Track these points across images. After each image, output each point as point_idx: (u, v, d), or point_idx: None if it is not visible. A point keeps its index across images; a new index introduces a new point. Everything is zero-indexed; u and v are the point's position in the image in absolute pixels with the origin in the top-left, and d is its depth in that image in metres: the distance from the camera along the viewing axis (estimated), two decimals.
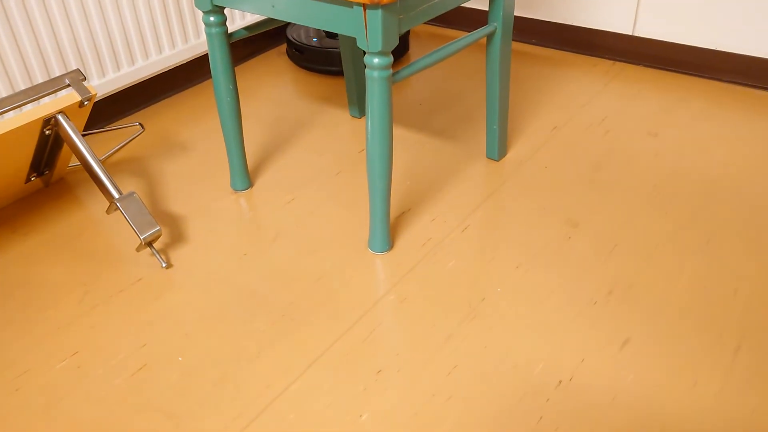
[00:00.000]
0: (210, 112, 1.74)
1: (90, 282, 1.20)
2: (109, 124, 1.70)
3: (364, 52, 1.73)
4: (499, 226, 1.29)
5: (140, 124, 1.69)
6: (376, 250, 1.24)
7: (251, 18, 1.91)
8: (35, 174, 1.39)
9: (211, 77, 1.93)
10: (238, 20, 1.88)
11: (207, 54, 1.87)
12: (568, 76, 1.83)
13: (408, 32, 1.98)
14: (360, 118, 1.68)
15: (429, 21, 2.23)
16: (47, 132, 1.26)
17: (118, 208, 1.20)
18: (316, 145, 1.57)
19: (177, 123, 1.69)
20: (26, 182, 1.39)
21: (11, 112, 1.42)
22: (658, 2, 1.78)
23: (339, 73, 1.89)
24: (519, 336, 1.06)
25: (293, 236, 1.29)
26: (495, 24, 1.29)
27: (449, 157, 1.50)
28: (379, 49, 1.02)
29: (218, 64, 1.27)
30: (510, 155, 1.50)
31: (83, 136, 1.55)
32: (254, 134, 1.63)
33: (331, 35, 1.92)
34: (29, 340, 1.09)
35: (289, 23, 2.01)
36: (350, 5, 1.01)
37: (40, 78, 1.48)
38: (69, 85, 1.26)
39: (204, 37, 1.80)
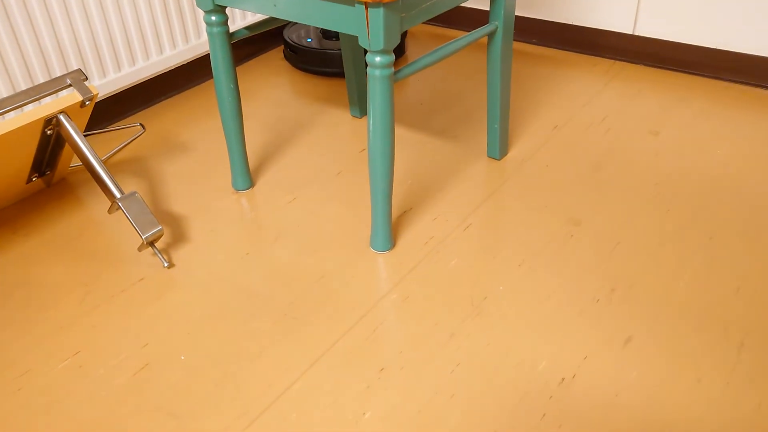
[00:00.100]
0: (211, 112, 1.74)
1: (91, 282, 1.20)
2: (110, 124, 1.70)
3: (366, 51, 1.73)
4: (500, 224, 1.29)
5: (141, 124, 1.69)
6: (378, 249, 1.23)
7: (252, 18, 1.91)
8: (36, 174, 1.39)
9: (211, 78, 1.93)
10: (239, 20, 1.89)
11: (208, 54, 1.87)
12: (569, 75, 1.84)
13: (404, 35, 1.98)
14: (361, 118, 1.68)
15: (429, 21, 2.23)
16: (49, 132, 1.26)
17: (119, 207, 1.20)
18: (317, 145, 1.57)
19: (178, 123, 1.69)
20: (27, 183, 1.39)
21: (12, 112, 1.42)
22: (659, 2, 1.78)
23: (335, 75, 1.89)
24: (521, 334, 1.05)
25: (295, 236, 1.29)
26: (496, 23, 1.29)
27: (450, 157, 1.50)
28: (381, 47, 1.02)
29: (219, 64, 1.27)
30: (511, 154, 1.50)
31: (84, 136, 1.55)
32: (255, 134, 1.63)
33: (328, 36, 1.92)
34: (31, 340, 1.09)
35: (287, 24, 2.01)
36: (352, 4, 1.02)
37: (41, 78, 1.48)
38: (70, 85, 1.26)
39: (204, 37, 1.80)
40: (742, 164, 1.43)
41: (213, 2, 1.20)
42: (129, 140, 1.63)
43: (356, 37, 1.54)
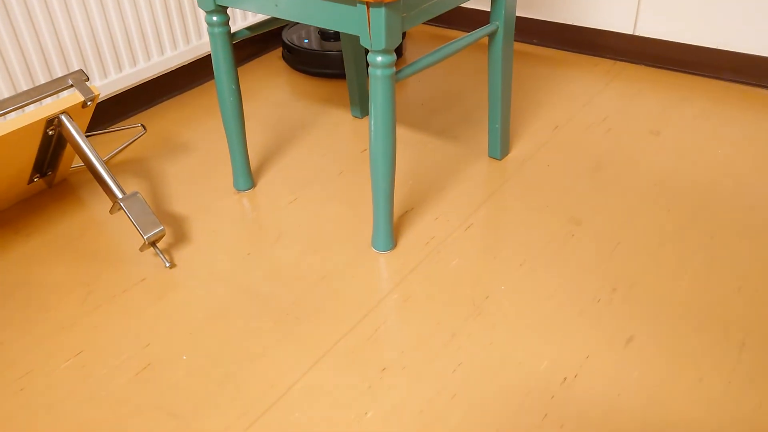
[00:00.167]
0: (212, 113, 1.74)
1: (93, 282, 1.20)
2: (111, 125, 1.70)
3: (367, 51, 1.74)
4: (502, 224, 1.29)
5: (142, 125, 1.69)
6: (380, 249, 1.24)
7: (253, 18, 1.92)
8: (38, 175, 1.39)
9: (212, 78, 1.93)
10: (240, 21, 1.89)
11: (208, 55, 1.87)
12: (569, 75, 1.84)
13: (402, 36, 1.98)
14: (362, 118, 1.68)
15: (428, 21, 2.23)
16: (50, 132, 1.26)
17: (121, 207, 1.20)
18: (318, 146, 1.57)
19: (179, 124, 1.69)
20: (29, 183, 1.39)
21: (14, 112, 1.42)
22: (659, 1, 1.78)
23: (333, 76, 1.89)
24: (523, 334, 1.06)
25: (296, 236, 1.29)
26: (497, 23, 1.29)
27: (451, 157, 1.50)
28: (383, 47, 1.02)
29: (221, 64, 1.27)
30: (512, 154, 1.50)
31: (86, 137, 1.55)
32: (256, 135, 1.63)
33: (326, 37, 1.92)
34: (33, 341, 1.09)
35: (285, 25, 2.02)
36: (354, 3, 1.02)
37: (42, 79, 1.48)
38: (72, 86, 1.26)
39: (205, 38, 1.80)
40: (742, 164, 1.43)
41: (214, 2, 1.20)
42: (130, 141, 1.63)
43: (357, 38, 1.54)
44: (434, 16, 1.12)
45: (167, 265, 1.22)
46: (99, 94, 1.27)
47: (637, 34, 1.85)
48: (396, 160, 1.49)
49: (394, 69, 1.06)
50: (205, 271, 1.21)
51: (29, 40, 1.44)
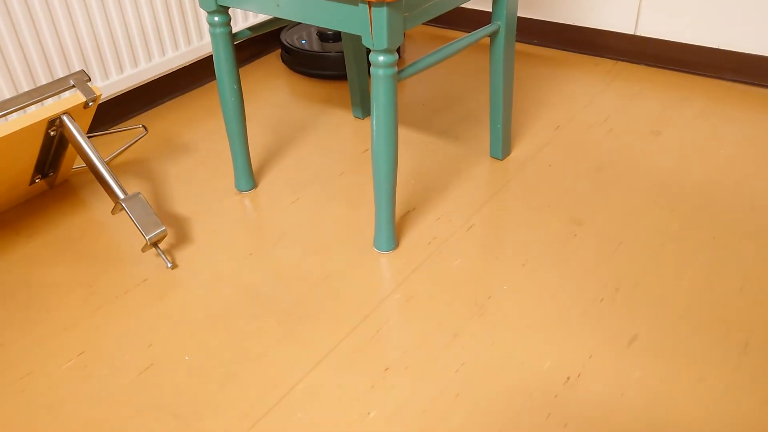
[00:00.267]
0: (213, 113, 1.74)
1: (95, 283, 1.20)
2: (113, 126, 1.70)
3: (368, 51, 1.74)
4: (504, 224, 1.29)
5: (143, 126, 1.69)
6: (382, 249, 1.23)
7: (254, 19, 1.92)
8: (39, 176, 1.39)
9: (213, 79, 1.93)
10: (241, 22, 1.89)
11: (209, 56, 1.87)
12: (570, 75, 1.84)
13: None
14: (363, 119, 1.68)
15: (429, 22, 2.23)
16: (52, 133, 1.26)
17: (123, 208, 1.20)
18: (320, 146, 1.57)
19: (180, 125, 1.69)
20: (30, 184, 1.39)
21: (16, 113, 1.42)
22: (660, 1, 1.78)
23: (332, 78, 1.89)
24: (525, 333, 1.05)
25: (298, 236, 1.29)
26: (498, 23, 1.29)
27: (453, 157, 1.50)
28: (385, 46, 1.02)
29: (222, 65, 1.27)
30: (513, 154, 1.50)
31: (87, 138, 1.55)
32: (257, 136, 1.63)
33: (325, 39, 1.92)
34: (34, 341, 1.09)
35: (284, 27, 2.02)
36: (355, 3, 1.02)
37: (43, 80, 1.48)
38: (73, 86, 1.26)
39: (206, 38, 1.80)
40: (744, 164, 1.43)
41: (216, 3, 1.20)
42: (132, 142, 1.63)
43: (358, 38, 1.54)
44: (436, 15, 1.12)
45: (169, 265, 1.22)
46: (101, 95, 1.27)
47: (638, 34, 1.85)
48: (398, 160, 1.50)
49: (396, 69, 1.06)
50: (206, 271, 1.21)
51: (31, 41, 1.44)
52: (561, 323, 1.07)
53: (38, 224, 1.35)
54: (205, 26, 1.78)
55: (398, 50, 1.97)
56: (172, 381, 1.01)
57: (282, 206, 1.37)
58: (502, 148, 1.46)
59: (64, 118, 1.24)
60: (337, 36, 1.91)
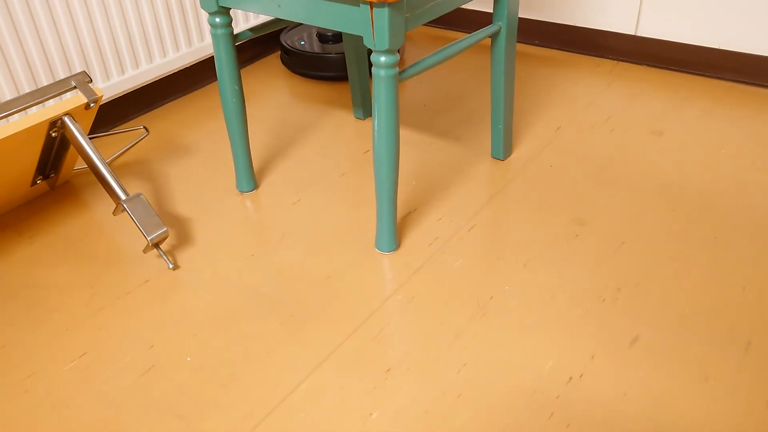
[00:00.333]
0: (214, 114, 1.74)
1: (97, 284, 1.20)
2: (114, 127, 1.70)
3: (369, 52, 1.74)
4: (505, 225, 1.29)
5: (145, 127, 1.69)
6: (383, 249, 1.23)
7: (255, 20, 1.92)
8: (41, 177, 1.39)
9: (214, 80, 1.93)
10: (242, 23, 1.89)
11: (210, 57, 1.87)
12: (572, 76, 1.84)
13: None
14: (364, 119, 1.68)
15: (429, 22, 2.23)
16: (53, 134, 1.26)
17: (125, 209, 1.20)
18: (321, 147, 1.57)
19: (181, 126, 1.69)
20: (32, 185, 1.39)
21: (17, 114, 1.42)
22: (661, 2, 1.78)
23: (332, 79, 1.89)
24: (528, 334, 1.05)
25: (300, 237, 1.29)
26: (500, 23, 1.29)
27: (454, 157, 1.50)
28: (386, 47, 1.02)
29: (224, 66, 1.27)
30: (515, 155, 1.50)
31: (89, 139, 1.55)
32: (258, 136, 1.63)
33: (324, 40, 1.92)
34: (37, 342, 1.09)
35: (284, 28, 2.02)
36: (357, 3, 1.02)
37: (45, 81, 1.48)
38: (75, 87, 1.26)
39: (207, 40, 1.80)
40: (745, 163, 1.43)
41: (217, 3, 1.20)
42: (133, 143, 1.63)
43: (359, 39, 1.54)
44: (437, 16, 1.12)
45: (171, 266, 1.22)
46: (102, 96, 1.27)
47: (639, 34, 1.85)
48: (399, 160, 1.50)
49: (398, 69, 1.06)
50: (208, 272, 1.21)
51: (32, 42, 1.44)
52: (563, 323, 1.07)
53: (40, 225, 1.36)
54: (206, 27, 1.78)
55: (399, 51, 1.97)
56: (174, 382, 1.01)
57: (283, 207, 1.37)
58: (503, 148, 1.46)
59: (66, 119, 1.24)
60: (336, 37, 1.91)
